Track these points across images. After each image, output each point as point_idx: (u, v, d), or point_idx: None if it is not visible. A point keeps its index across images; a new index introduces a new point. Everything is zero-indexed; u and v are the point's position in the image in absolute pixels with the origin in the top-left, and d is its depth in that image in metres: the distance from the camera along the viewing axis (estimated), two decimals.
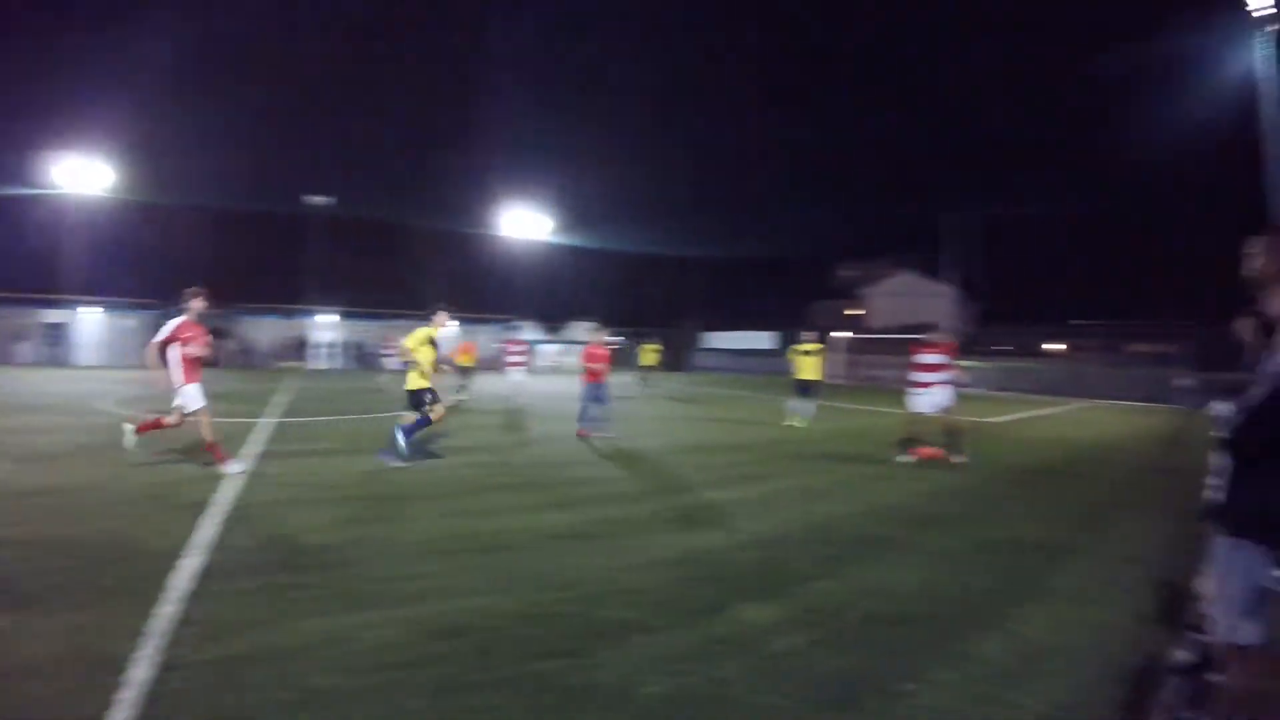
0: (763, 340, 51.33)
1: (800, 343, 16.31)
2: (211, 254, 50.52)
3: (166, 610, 4.31)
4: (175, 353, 8.82)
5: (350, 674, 3.61)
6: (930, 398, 11.35)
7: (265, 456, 10.01)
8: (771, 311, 58.35)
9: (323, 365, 42.60)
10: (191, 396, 8.92)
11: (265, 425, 13.48)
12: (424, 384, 10.04)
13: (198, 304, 8.98)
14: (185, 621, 4.16)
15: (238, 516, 6.70)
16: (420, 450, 10.38)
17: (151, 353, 8.80)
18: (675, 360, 44.95)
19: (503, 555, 5.79)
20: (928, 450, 11.20)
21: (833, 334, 37.77)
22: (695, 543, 6.38)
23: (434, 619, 4.37)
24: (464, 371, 20.51)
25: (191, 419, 9.04)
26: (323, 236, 44.14)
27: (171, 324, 8.83)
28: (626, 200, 71.37)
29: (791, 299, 68.18)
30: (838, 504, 8.19)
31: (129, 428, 9.36)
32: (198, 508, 6.95)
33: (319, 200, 42.38)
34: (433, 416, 10.00)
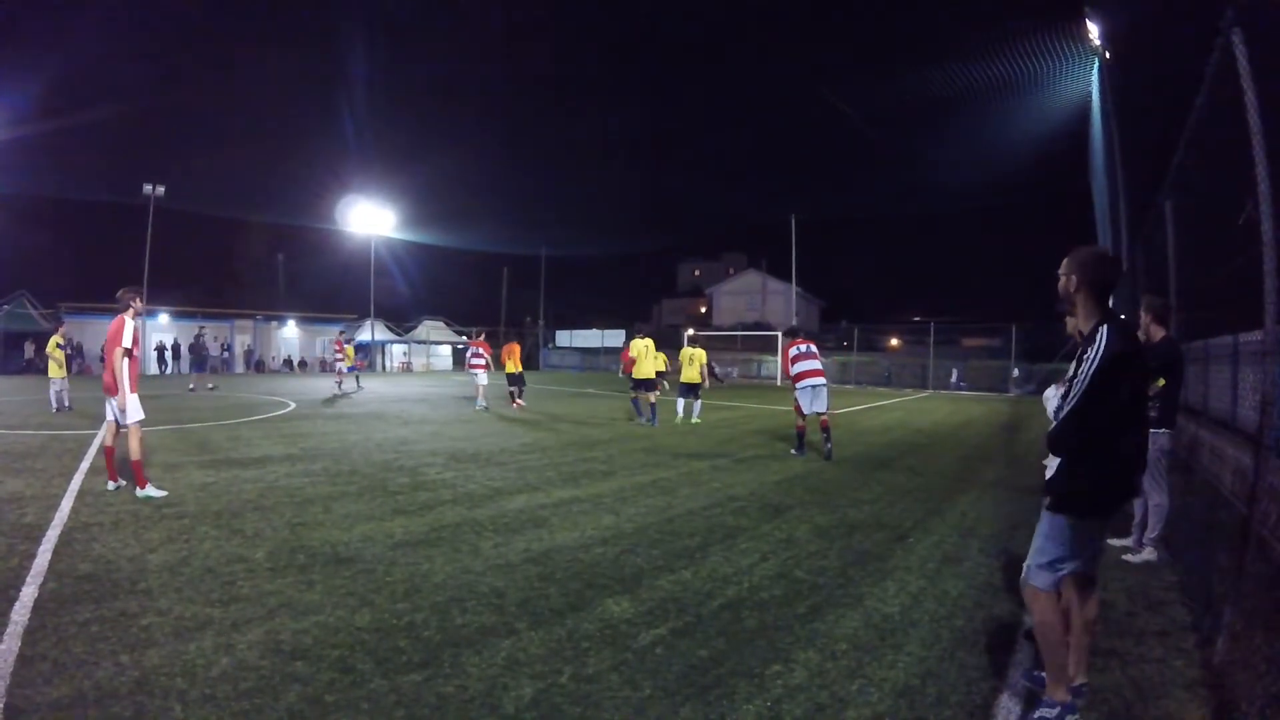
0: (613, 338, 51.78)
1: (638, 337, 17.37)
2: (31, 247, 46.38)
3: (5, 648, 4.00)
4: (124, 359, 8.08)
5: (205, 704, 3.46)
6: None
7: (99, 472, 9.30)
8: (620, 309, 59.01)
9: (155, 369, 39.80)
10: (136, 407, 8.21)
11: (98, 439, 12.44)
12: None
13: (138, 304, 8.38)
14: (27, 659, 3.87)
15: (70, 539, 6.21)
16: None
17: (119, 360, 8.06)
18: (524, 359, 44.73)
19: (352, 566, 5.65)
20: None
21: (690, 332, 38.53)
22: (550, 541, 6.44)
23: (288, 638, 4.24)
24: (513, 378, 20.20)
25: (123, 431, 8.29)
26: (158, 230, 41.02)
27: (130, 327, 8.12)
28: (473, 196, 70.23)
29: (640, 296, 69.10)
30: (688, 497, 8.47)
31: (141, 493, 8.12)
32: (26, 530, 6.42)
33: (153, 190, 39.03)
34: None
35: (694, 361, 17.04)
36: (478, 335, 21.09)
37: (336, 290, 53.65)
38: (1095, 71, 15.30)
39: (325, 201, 47.11)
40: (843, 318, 56.47)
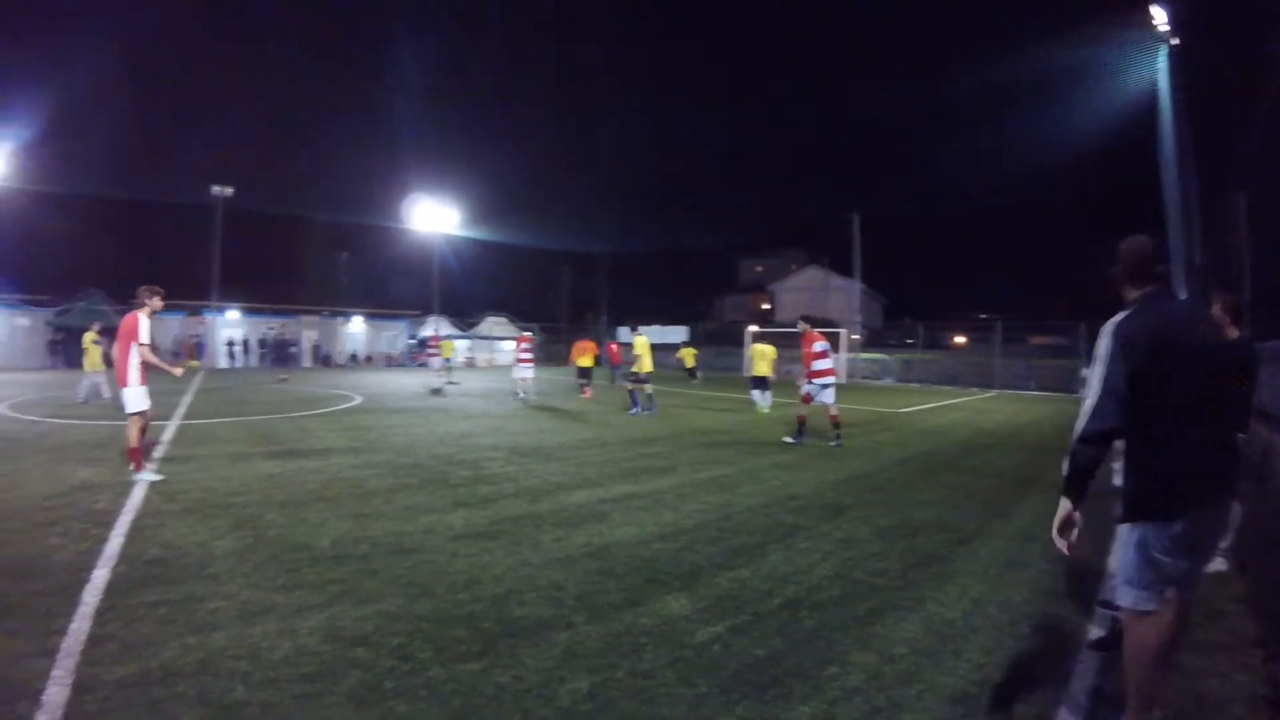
0: (677, 335, 51.64)
1: (637, 335, 17.99)
2: (107, 248, 48.22)
3: (76, 628, 4.13)
4: (136, 353, 8.46)
5: (269, 686, 3.53)
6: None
7: (168, 461, 9.63)
8: (681, 306, 58.97)
9: (226, 364, 40.99)
10: (136, 399, 8.53)
11: (168, 428, 12.92)
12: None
13: (157, 302, 8.68)
14: (97, 639, 4.00)
15: (141, 526, 6.43)
16: None
17: (131, 353, 8.44)
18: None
19: (413, 557, 5.72)
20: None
21: (753, 329, 38.22)
22: (610, 536, 6.43)
23: (349, 625, 4.30)
24: (583, 371, 21.07)
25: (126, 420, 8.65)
26: (227, 230, 42.29)
27: (145, 324, 8.49)
28: (534, 194, 70.76)
29: (701, 293, 68.95)
30: (748, 494, 8.38)
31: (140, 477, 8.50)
32: (100, 517, 6.66)
33: (221, 191, 40.30)
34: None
35: (764, 357, 18.24)
36: (523, 333, 21.79)
37: (401, 287, 54.52)
38: (1163, 59, 14.74)
39: (390, 200, 47.91)
40: (906, 315, 55.57)
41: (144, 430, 8.73)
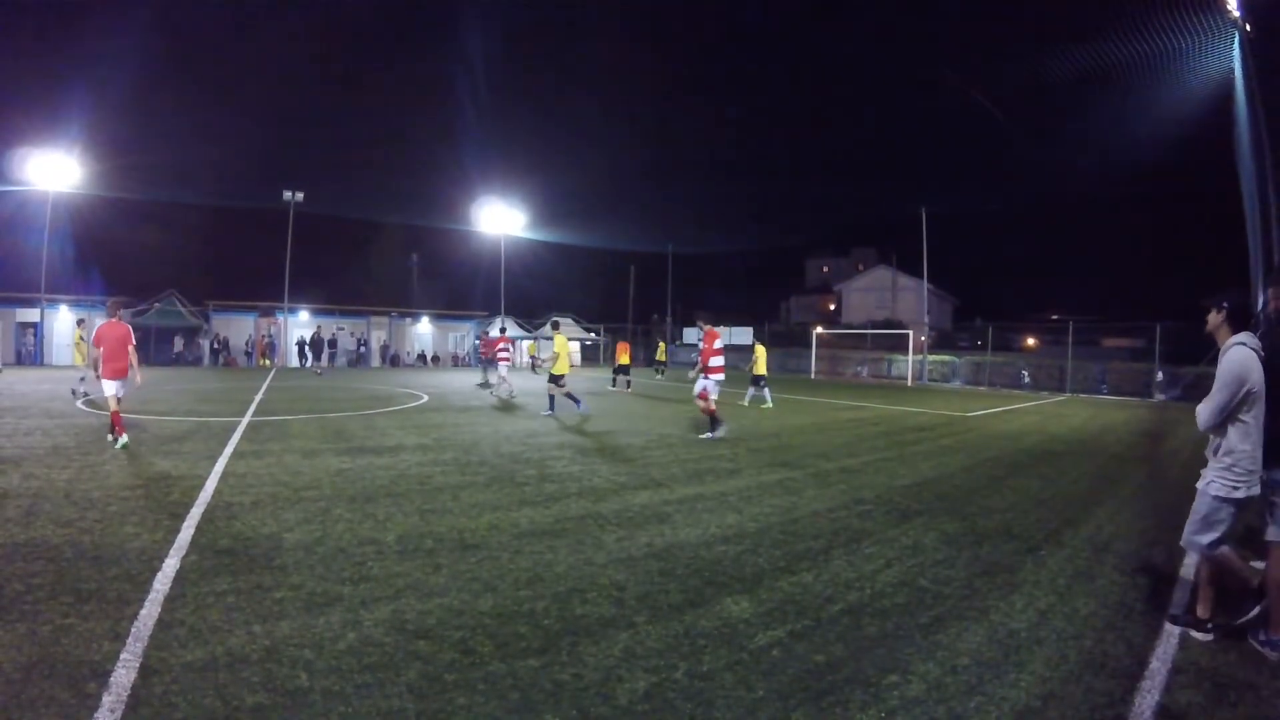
0: (741, 335, 51.22)
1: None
2: (184, 252, 50.28)
3: (146, 613, 4.30)
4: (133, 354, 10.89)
5: (333, 675, 3.61)
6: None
7: (241, 455, 9.95)
8: (747, 306, 58.59)
9: (297, 363, 42.17)
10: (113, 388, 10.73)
11: (242, 424, 13.36)
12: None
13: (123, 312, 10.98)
14: (166, 624, 4.15)
15: (212, 517, 6.65)
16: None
17: (133, 354, 10.82)
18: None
19: (477, 553, 5.78)
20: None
21: (817, 330, 37.87)
22: (673, 537, 6.41)
23: (413, 618, 4.37)
24: (623, 369, 21.96)
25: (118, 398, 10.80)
26: (298, 233, 43.69)
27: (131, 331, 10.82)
28: (602, 195, 71.25)
29: (767, 293, 68.46)
30: (814, 498, 8.27)
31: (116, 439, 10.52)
32: (172, 508, 6.92)
33: (292, 196, 41.78)
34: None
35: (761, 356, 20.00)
36: (503, 333, 23.47)
37: (468, 288, 55.41)
38: (1236, 47, 14.06)
39: (458, 203, 48.89)
40: (976, 315, 54.29)
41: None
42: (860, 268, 70.47)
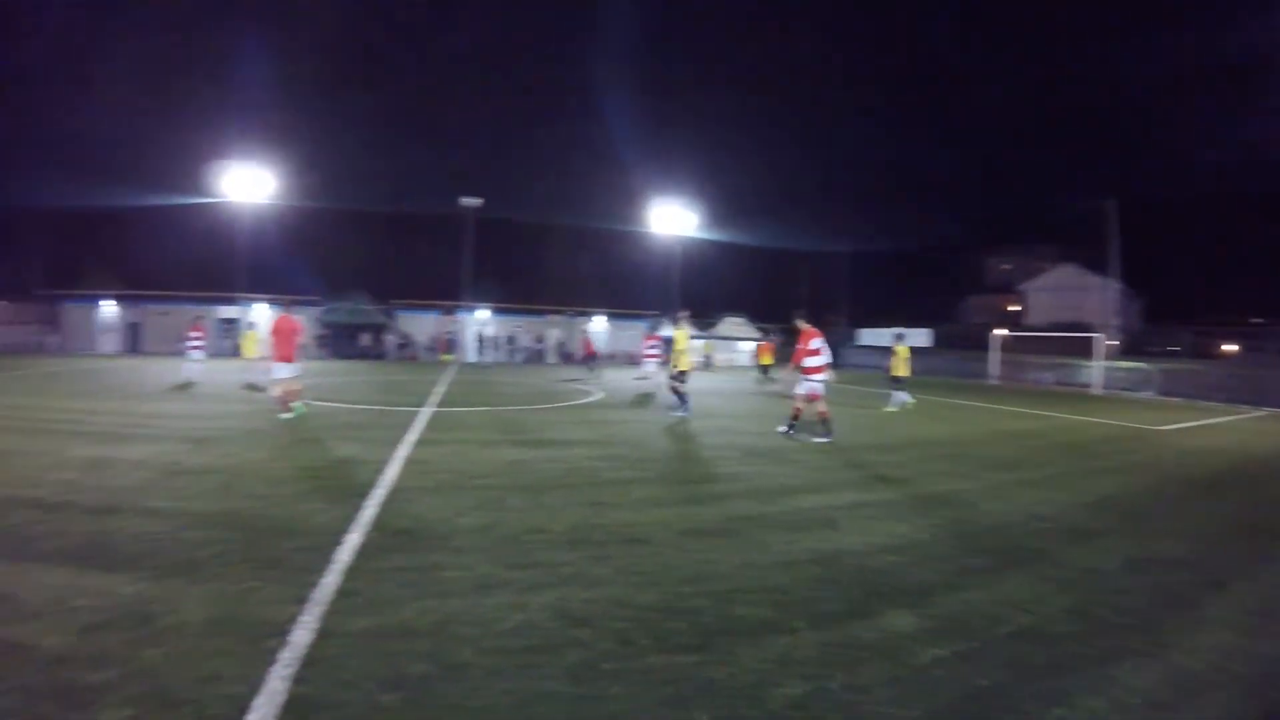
0: (918, 337, 49.13)
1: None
2: (371, 254, 54.03)
3: (326, 582, 4.64)
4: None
5: (494, 653, 3.75)
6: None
7: (421, 443, 10.50)
8: (923, 307, 56.49)
9: (476, 359, 44.15)
10: (287, 370, 13.02)
11: (423, 415, 14.13)
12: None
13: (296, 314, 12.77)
14: (344, 594, 4.47)
15: (393, 499, 7.07)
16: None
17: (295, 345, 13.14)
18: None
19: (643, 547, 5.83)
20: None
21: (994, 331, 35.95)
22: (838, 544, 6.23)
23: (576, 606, 4.46)
24: (766, 369, 22.40)
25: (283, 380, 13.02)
26: (478, 236, 45.89)
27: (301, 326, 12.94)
28: (771, 194, 70.72)
29: (944, 293, 65.81)
30: (988, 512, 7.82)
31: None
32: (356, 489, 7.42)
33: (471, 202, 44.02)
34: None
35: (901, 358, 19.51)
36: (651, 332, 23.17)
37: (641, 288, 56.19)
38: None
39: (632, 204, 49.77)
40: (1168, 317, 49.96)
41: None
42: (1044, 266, 66.05)
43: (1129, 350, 42.20)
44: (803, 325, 12.90)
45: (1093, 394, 29.52)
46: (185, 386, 19.27)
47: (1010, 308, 64.87)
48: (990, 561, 5.96)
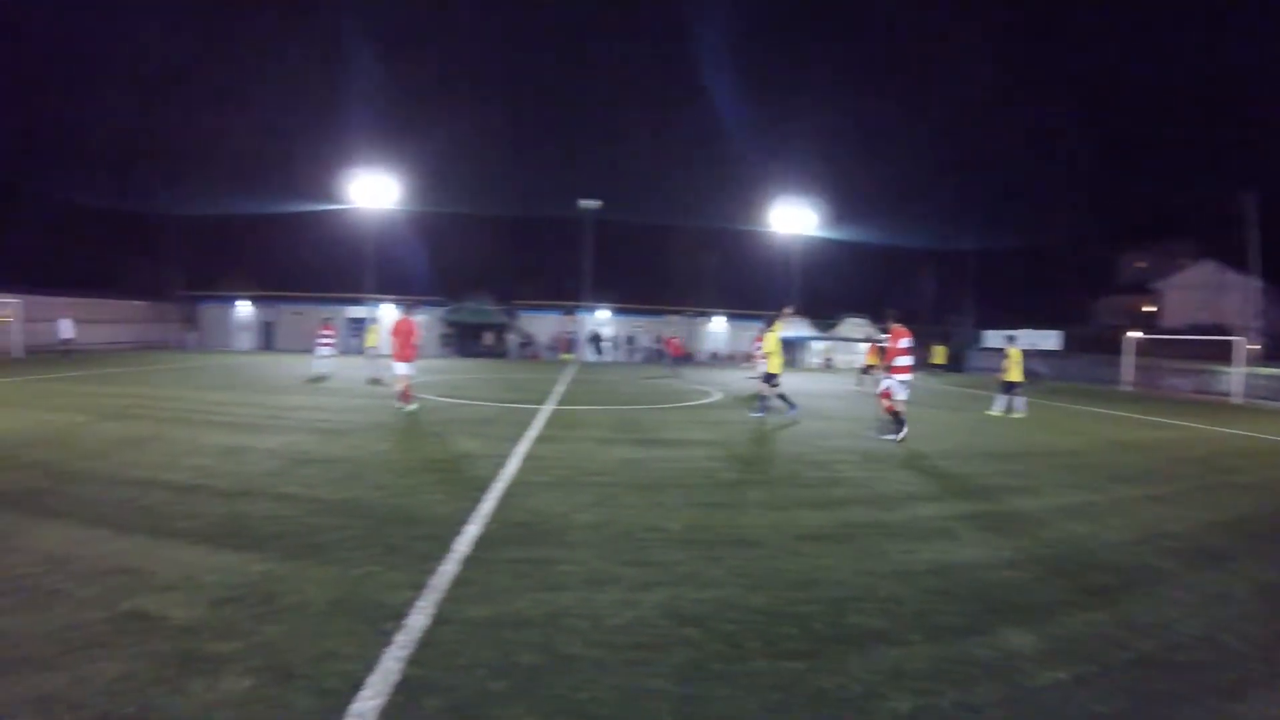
0: (1047, 340, 46.33)
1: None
2: (494, 257, 55.79)
3: (444, 570, 4.84)
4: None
5: (603, 647, 3.81)
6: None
7: (541, 440, 10.74)
8: (1051, 307, 53.83)
9: (595, 358, 44.79)
10: (405, 369, 13.86)
11: (543, 412, 14.46)
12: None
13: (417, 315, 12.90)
14: (460, 582, 4.64)
15: (512, 492, 7.29)
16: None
17: (411, 344, 14.02)
18: (953, 360, 42.74)
19: (756, 550, 5.80)
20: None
21: (1127, 334, 33.89)
22: (957, 555, 6.01)
23: (687, 606, 4.47)
24: (870, 369, 22.41)
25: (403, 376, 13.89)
26: (599, 237, 46.60)
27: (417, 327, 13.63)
28: (892, 192, 69.01)
29: (1073, 292, 62.58)
30: (1115, 528, 7.39)
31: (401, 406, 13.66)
32: (476, 482, 7.69)
33: (589, 204, 44.80)
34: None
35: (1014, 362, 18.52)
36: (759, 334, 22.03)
37: (760, 288, 55.72)
38: None
39: (751, 204, 49.41)
40: None
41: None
42: (1181, 263, 61.53)
43: (1272, 355, 39.02)
44: (894, 325, 12.79)
45: (1232, 403, 27.40)
46: (316, 380, 20.68)
47: (1145, 308, 60.99)
48: (1114, 581, 5.63)
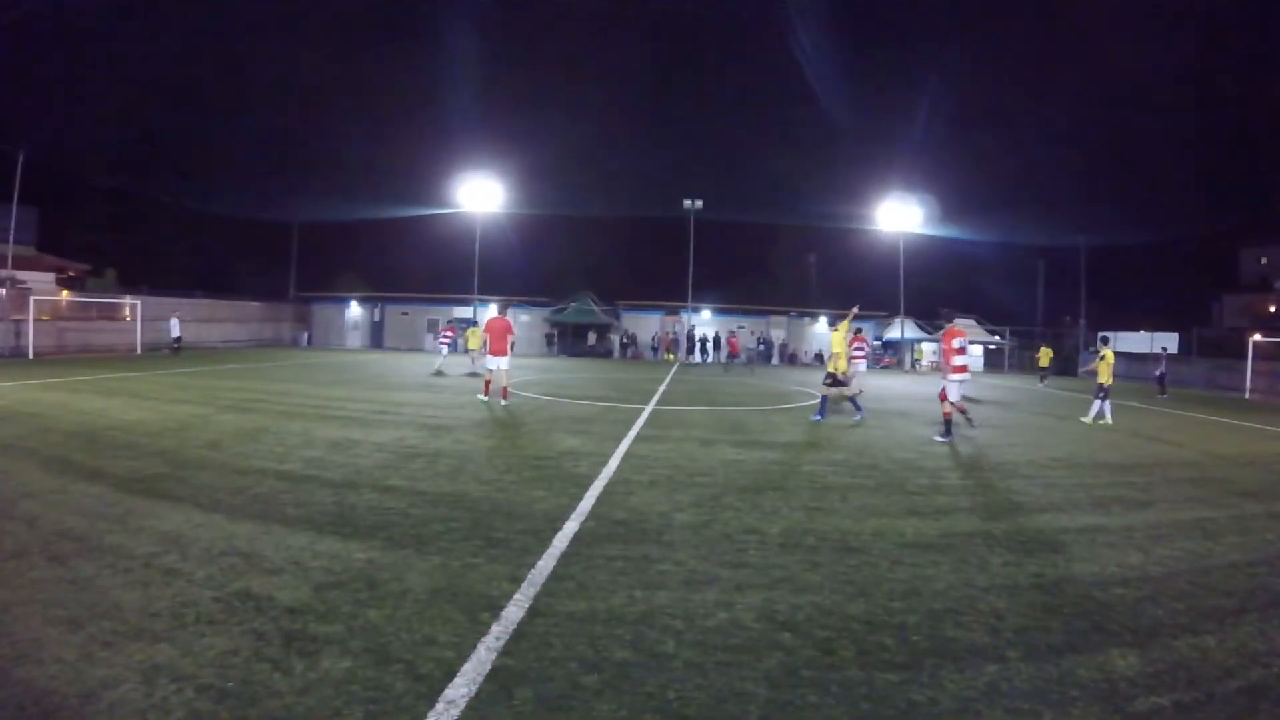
0: (1166, 342, 43.38)
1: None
2: (598, 257, 56.77)
3: (542, 564, 4.97)
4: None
5: (696, 647, 3.83)
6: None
7: (642, 439, 10.85)
8: (1170, 308, 51.07)
9: (698, 359, 44.81)
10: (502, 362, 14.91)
11: (645, 412, 14.61)
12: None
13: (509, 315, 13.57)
14: (558, 577, 4.76)
15: (612, 490, 7.41)
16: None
17: (509, 341, 15.16)
18: (1064, 363, 41.06)
19: (857, 556, 5.71)
20: None
21: (1254, 338, 31.57)
22: (1064, 570, 5.76)
23: (783, 610, 4.45)
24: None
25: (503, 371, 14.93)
26: (702, 238, 46.71)
27: (515, 326, 14.24)
28: (1002, 187, 66.75)
29: (1194, 292, 59.22)
30: (1234, 546, 6.96)
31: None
32: (578, 479, 7.85)
33: (692, 204, 44.94)
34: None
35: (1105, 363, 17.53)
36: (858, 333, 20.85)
37: (865, 288, 54.66)
38: None
39: (855, 203, 48.51)
40: None
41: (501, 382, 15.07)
42: None
43: None
44: (949, 324, 13.07)
45: None
46: (438, 375, 22.24)
47: (1271, 308, 56.91)
48: (1229, 603, 5.31)
